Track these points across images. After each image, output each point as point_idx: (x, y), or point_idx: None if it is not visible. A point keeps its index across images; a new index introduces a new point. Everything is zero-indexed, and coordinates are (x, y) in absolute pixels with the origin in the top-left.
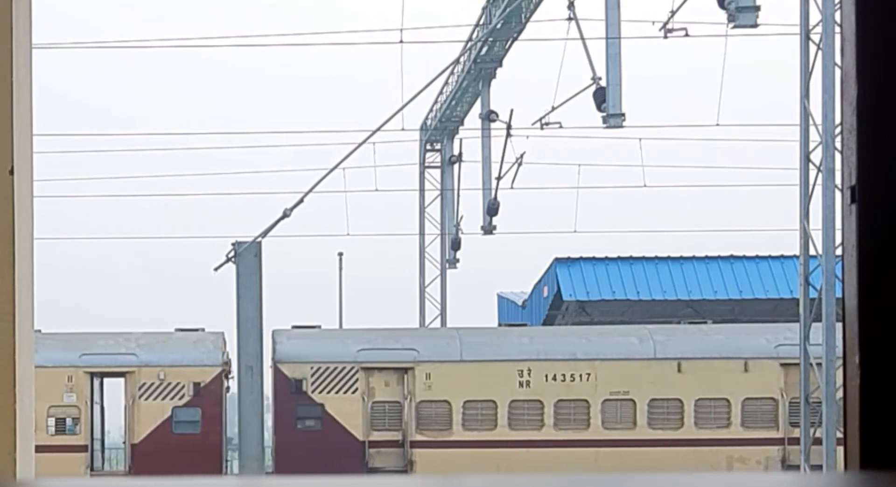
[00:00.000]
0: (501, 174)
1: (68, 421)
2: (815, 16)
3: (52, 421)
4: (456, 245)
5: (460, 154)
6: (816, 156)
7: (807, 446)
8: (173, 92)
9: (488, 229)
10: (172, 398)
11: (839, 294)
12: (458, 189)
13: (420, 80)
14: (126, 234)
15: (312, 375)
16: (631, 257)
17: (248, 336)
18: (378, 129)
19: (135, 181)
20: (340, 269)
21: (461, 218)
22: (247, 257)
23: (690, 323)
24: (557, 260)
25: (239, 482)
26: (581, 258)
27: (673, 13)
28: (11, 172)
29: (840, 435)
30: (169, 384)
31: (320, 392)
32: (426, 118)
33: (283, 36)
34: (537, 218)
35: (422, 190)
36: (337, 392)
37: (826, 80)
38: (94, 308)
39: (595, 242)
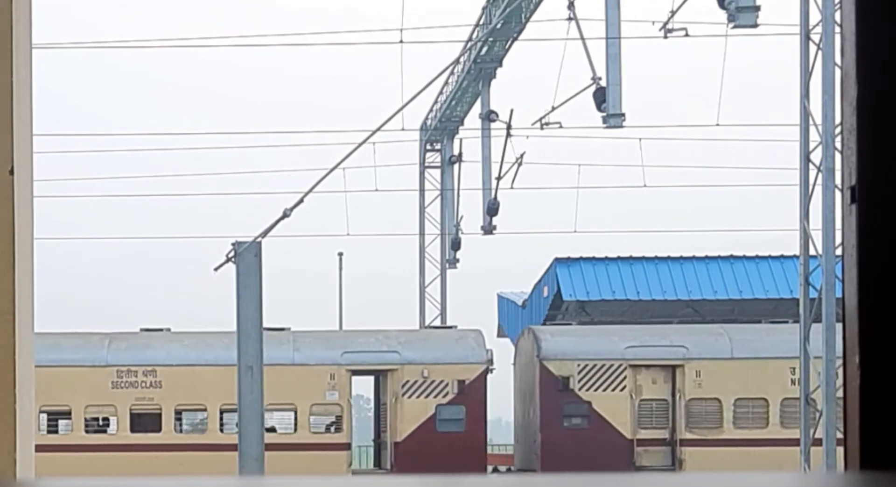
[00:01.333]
0: (501, 174)
1: (327, 420)
2: (815, 16)
3: (314, 419)
4: (456, 245)
5: (460, 154)
6: (816, 156)
7: (807, 446)
8: (173, 92)
9: (488, 229)
10: (436, 396)
11: (839, 294)
12: (458, 189)
13: (420, 80)
14: (126, 234)
15: (579, 372)
16: (631, 257)
17: (248, 336)
18: (378, 129)
19: (135, 181)
20: (340, 269)
21: (461, 218)
22: (247, 257)
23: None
24: (557, 260)
25: (239, 482)
26: (581, 258)
27: (673, 13)
28: (11, 172)
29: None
30: (433, 381)
31: (587, 390)
32: (426, 118)
33: (282, 36)
34: (537, 218)
35: (422, 190)
36: (604, 390)
37: (826, 80)
38: (94, 308)
39: (595, 242)
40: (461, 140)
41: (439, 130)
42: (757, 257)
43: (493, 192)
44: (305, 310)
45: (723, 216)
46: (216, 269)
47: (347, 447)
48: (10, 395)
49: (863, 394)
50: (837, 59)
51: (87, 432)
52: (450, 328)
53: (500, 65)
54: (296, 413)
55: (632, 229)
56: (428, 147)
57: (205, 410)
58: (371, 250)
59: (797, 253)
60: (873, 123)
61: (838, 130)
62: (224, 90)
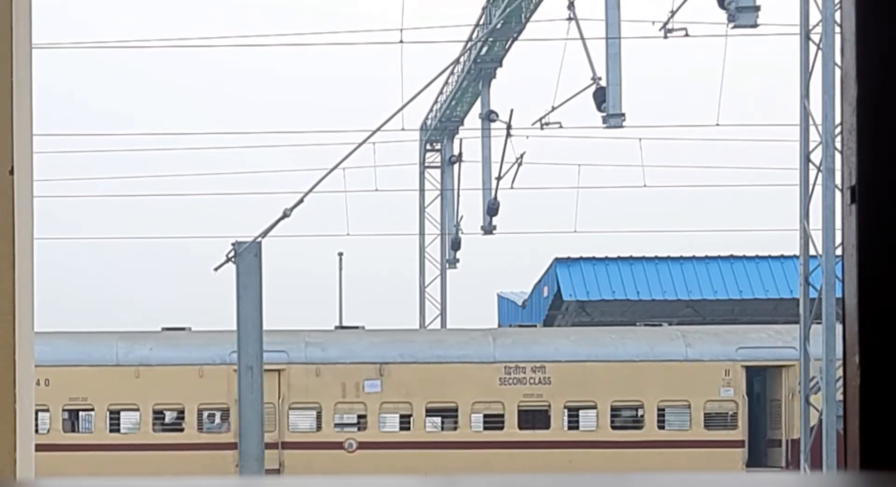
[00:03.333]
0: (501, 174)
1: (728, 415)
2: (815, 16)
3: (706, 415)
4: (456, 245)
5: (460, 154)
6: (816, 156)
7: (807, 446)
8: (173, 92)
9: (488, 229)
10: None
11: (839, 294)
12: (458, 189)
13: (420, 80)
14: (126, 234)
15: None
16: (631, 257)
17: (248, 336)
18: (378, 129)
19: (135, 181)
20: (340, 269)
21: (461, 218)
22: (247, 257)
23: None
24: (557, 260)
25: (239, 482)
26: (581, 258)
27: (673, 13)
28: (11, 172)
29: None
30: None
31: None
32: (426, 118)
33: (282, 36)
34: (537, 218)
35: (422, 190)
36: None
37: (826, 80)
38: (95, 308)
39: (595, 242)
40: (461, 140)
41: (439, 130)
42: (757, 257)
43: (493, 192)
44: (305, 310)
45: (723, 216)
46: (216, 269)
47: (741, 444)
48: (10, 395)
49: (863, 394)
50: (837, 59)
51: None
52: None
53: (500, 65)
54: (690, 409)
55: (632, 229)
56: (428, 147)
57: (594, 407)
58: (371, 250)
59: (797, 253)
60: (873, 123)
61: (838, 130)
62: (224, 90)
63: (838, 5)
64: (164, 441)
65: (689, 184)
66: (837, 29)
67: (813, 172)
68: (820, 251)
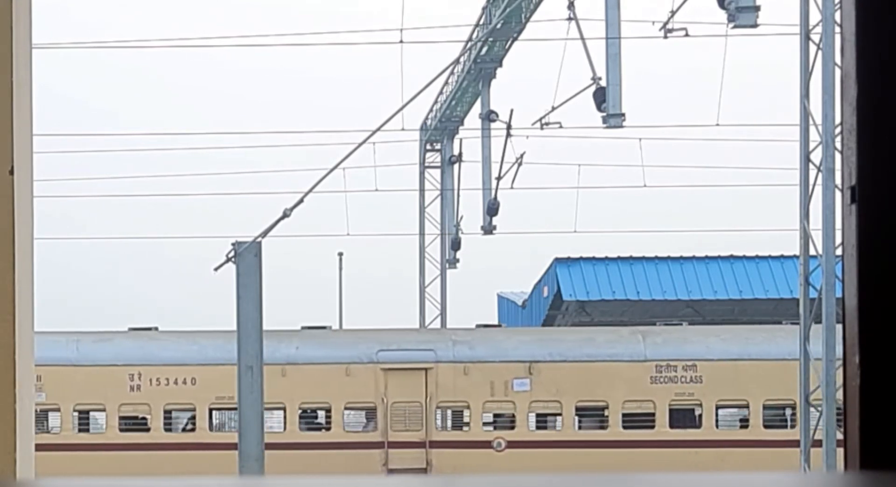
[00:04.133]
0: (501, 174)
1: None
2: (815, 16)
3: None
4: (456, 245)
5: (460, 154)
6: (816, 156)
7: (806, 446)
8: (173, 92)
9: (488, 229)
10: None
11: (839, 294)
12: (458, 189)
13: (420, 80)
14: (126, 234)
15: None
16: (631, 257)
17: (248, 336)
18: (378, 129)
19: (135, 181)
20: (340, 269)
21: (461, 218)
22: (247, 257)
23: None
24: (557, 260)
25: (239, 482)
26: (581, 258)
27: (673, 13)
28: (11, 172)
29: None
30: None
31: None
32: (426, 118)
33: (282, 36)
34: (537, 218)
35: (422, 190)
36: None
37: (826, 80)
38: (94, 308)
39: (595, 242)
40: (461, 140)
41: (439, 130)
42: (757, 257)
43: (493, 192)
44: (305, 310)
45: (723, 216)
46: (216, 269)
47: None
48: (10, 395)
49: (863, 394)
50: (837, 59)
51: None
52: None
53: (500, 65)
54: None
55: (632, 229)
56: (428, 147)
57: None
58: (371, 250)
59: (797, 253)
60: (873, 123)
61: (838, 130)
62: (224, 90)
63: (838, 5)
64: (310, 440)
65: (689, 184)
66: (837, 29)
67: (813, 172)
68: (820, 251)
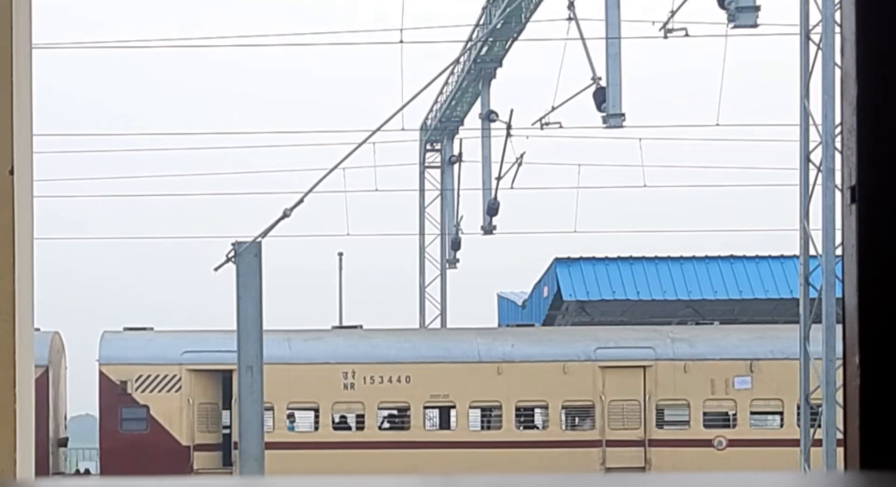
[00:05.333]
0: (501, 174)
1: None
2: (815, 16)
3: None
4: (456, 245)
5: (460, 154)
6: (816, 156)
7: (807, 446)
8: (174, 91)
9: (488, 229)
10: None
11: (839, 294)
12: (458, 189)
13: (420, 80)
14: (126, 234)
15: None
16: (631, 257)
17: (248, 336)
18: (378, 129)
19: (135, 181)
20: (340, 269)
21: (461, 218)
22: (247, 257)
23: None
24: (557, 260)
25: (239, 482)
26: (581, 258)
27: (673, 13)
28: (11, 172)
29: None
30: None
31: None
32: (426, 118)
33: (283, 36)
34: (537, 218)
35: (422, 190)
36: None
37: (826, 80)
38: (94, 308)
39: (595, 242)
40: (461, 140)
41: (439, 130)
42: (757, 257)
43: (493, 192)
44: (305, 310)
45: (723, 216)
46: (216, 269)
47: None
48: (10, 395)
49: (863, 394)
50: (837, 59)
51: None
52: None
53: (500, 65)
54: None
55: (632, 229)
56: (428, 147)
57: None
58: (371, 250)
59: (797, 253)
60: (873, 123)
61: (838, 130)
62: (224, 90)
63: (838, 5)
64: (527, 439)
65: (689, 184)
66: (837, 29)
67: (813, 172)
68: (820, 251)
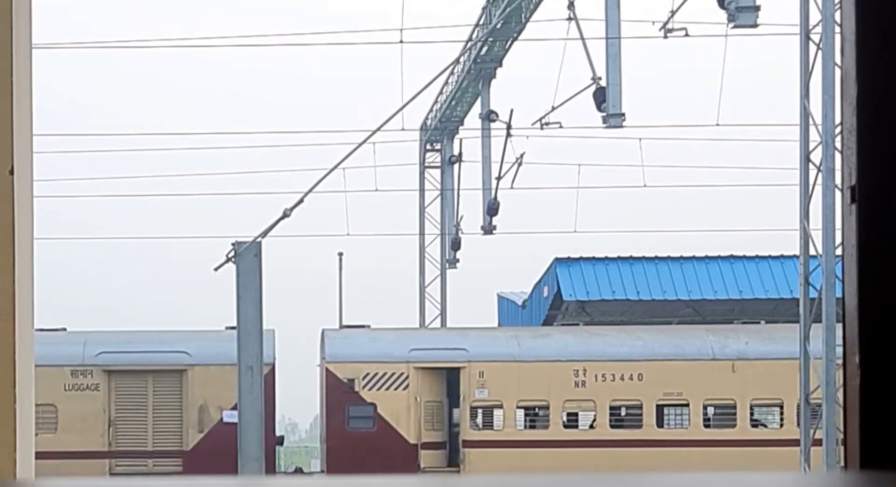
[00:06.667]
0: (501, 174)
1: None
2: (815, 16)
3: None
4: (456, 245)
5: (460, 154)
6: (816, 156)
7: (807, 446)
8: (174, 91)
9: (488, 229)
10: None
11: (839, 294)
12: (458, 189)
13: (420, 80)
14: (126, 234)
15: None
16: (631, 257)
17: (248, 336)
18: (378, 129)
19: (135, 181)
20: (340, 269)
21: (461, 218)
22: (247, 257)
23: None
24: (557, 260)
25: (239, 482)
26: (581, 258)
27: (673, 13)
28: (11, 172)
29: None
30: None
31: None
32: (426, 118)
33: (282, 36)
34: (537, 218)
35: (422, 190)
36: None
37: (826, 80)
38: (94, 308)
39: (595, 242)
40: (461, 140)
41: (439, 130)
42: (757, 257)
43: (493, 192)
44: (305, 310)
45: (723, 216)
46: (216, 269)
47: None
48: (10, 395)
49: (863, 394)
50: (837, 59)
51: None
52: None
53: (500, 65)
54: None
55: (632, 229)
56: (428, 147)
57: None
58: (371, 250)
59: (797, 253)
60: (873, 123)
61: (838, 130)
62: (224, 90)
63: (838, 5)
64: (761, 437)
65: (689, 184)
66: (837, 29)
67: (813, 172)
68: (820, 251)
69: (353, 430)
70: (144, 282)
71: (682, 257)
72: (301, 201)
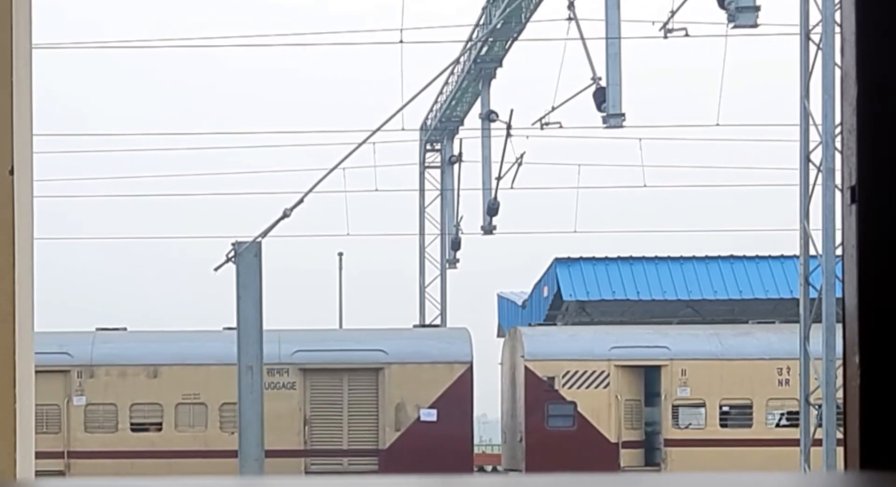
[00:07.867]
0: (501, 174)
1: None
2: (815, 16)
3: None
4: (456, 245)
5: (460, 154)
6: (816, 156)
7: (806, 446)
8: (173, 92)
9: (488, 229)
10: None
11: (839, 294)
12: (458, 189)
13: (420, 80)
14: (126, 234)
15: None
16: (631, 257)
17: (248, 336)
18: (378, 129)
19: (135, 181)
20: (340, 269)
21: (461, 218)
22: (247, 257)
23: None
24: (557, 260)
25: (239, 482)
26: (581, 258)
27: (673, 13)
28: (11, 172)
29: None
30: None
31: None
32: (426, 118)
33: (283, 36)
34: (537, 218)
35: (422, 190)
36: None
37: (826, 80)
38: (94, 308)
39: (595, 242)
40: (461, 140)
41: (439, 130)
42: (757, 257)
43: (493, 192)
44: (305, 310)
45: (723, 216)
46: (216, 269)
47: None
48: (9, 395)
49: (863, 394)
50: (837, 59)
51: None
52: None
53: (500, 65)
54: None
55: (632, 229)
56: (428, 147)
57: None
58: (371, 250)
59: (797, 253)
60: (873, 123)
61: (838, 130)
62: (224, 90)
63: (838, 5)
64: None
65: (689, 184)
66: (837, 29)
67: (813, 172)
68: (820, 251)
69: (552, 428)
70: (144, 282)
71: (682, 258)
72: (301, 201)
